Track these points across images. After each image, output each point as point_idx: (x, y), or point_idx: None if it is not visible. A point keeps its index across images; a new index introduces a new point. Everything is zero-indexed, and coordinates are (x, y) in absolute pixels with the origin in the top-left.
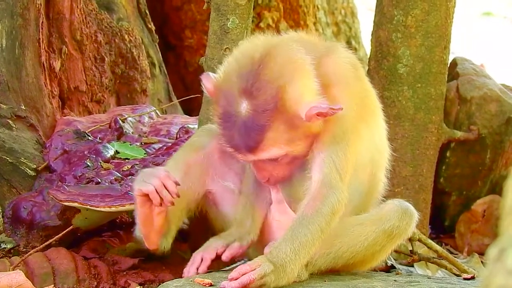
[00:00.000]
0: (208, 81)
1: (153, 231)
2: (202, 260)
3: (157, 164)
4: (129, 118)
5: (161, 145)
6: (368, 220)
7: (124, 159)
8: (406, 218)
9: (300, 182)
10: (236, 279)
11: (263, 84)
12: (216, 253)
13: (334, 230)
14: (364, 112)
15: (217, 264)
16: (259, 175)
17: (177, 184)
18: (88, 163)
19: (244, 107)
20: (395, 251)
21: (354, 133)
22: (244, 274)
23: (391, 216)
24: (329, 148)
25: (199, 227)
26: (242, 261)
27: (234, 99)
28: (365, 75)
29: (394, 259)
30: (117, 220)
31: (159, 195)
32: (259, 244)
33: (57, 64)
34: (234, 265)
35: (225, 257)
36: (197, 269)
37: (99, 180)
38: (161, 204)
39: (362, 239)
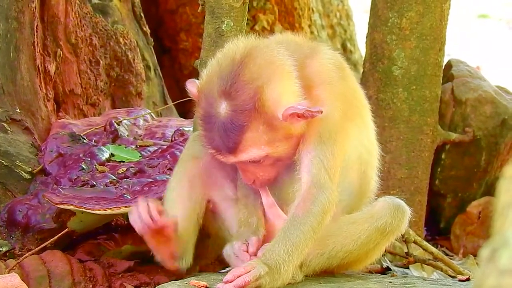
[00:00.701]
0: (193, 86)
1: (167, 256)
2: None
3: (152, 167)
4: (124, 121)
5: (156, 148)
6: (360, 218)
7: (119, 162)
8: (399, 214)
9: (289, 184)
10: (231, 282)
11: (241, 85)
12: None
13: (327, 230)
14: (350, 112)
15: (213, 267)
16: (244, 177)
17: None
18: (83, 166)
19: (223, 108)
20: (391, 252)
21: (340, 133)
22: (239, 276)
23: (383, 213)
24: (316, 149)
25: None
26: None
27: (214, 100)
28: (352, 74)
29: (389, 261)
30: (112, 223)
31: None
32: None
33: (52, 67)
34: (228, 268)
35: (252, 252)
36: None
37: (94, 183)
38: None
39: (355, 237)
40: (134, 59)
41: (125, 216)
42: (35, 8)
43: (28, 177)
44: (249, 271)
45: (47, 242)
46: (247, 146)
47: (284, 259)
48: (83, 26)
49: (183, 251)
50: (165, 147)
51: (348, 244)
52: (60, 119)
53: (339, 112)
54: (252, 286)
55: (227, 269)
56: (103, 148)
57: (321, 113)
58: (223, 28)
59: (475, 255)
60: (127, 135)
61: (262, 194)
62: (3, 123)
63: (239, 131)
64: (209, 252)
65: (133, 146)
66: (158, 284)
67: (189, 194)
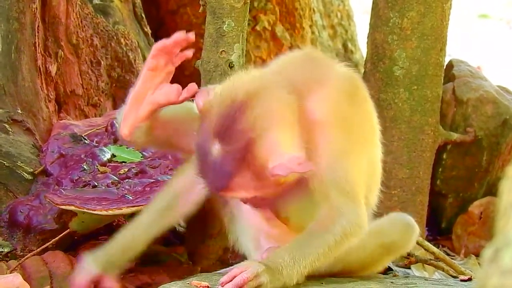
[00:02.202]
0: (202, 99)
1: (136, 118)
2: None
3: (154, 167)
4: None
5: None
6: (368, 232)
7: (120, 162)
8: (408, 233)
9: (291, 206)
10: (228, 282)
11: (235, 132)
12: None
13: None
14: (357, 142)
15: (215, 267)
16: (242, 201)
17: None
18: (85, 167)
19: (216, 148)
20: None
21: (351, 155)
22: (235, 276)
23: (392, 230)
24: (329, 179)
25: (196, 230)
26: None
27: (209, 137)
28: (366, 96)
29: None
30: (114, 224)
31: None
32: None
33: (53, 68)
34: (232, 267)
35: None
36: None
37: (96, 184)
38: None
39: (360, 250)
40: (135, 60)
41: (127, 216)
42: (36, 9)
43: (30, 178)
44: (245, 270)
45: (48, 243)
46: (235, 188)
47: (287, 263)
48: (84, 26)
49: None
50: None
51: (349, 255)
52: (61, 120)
53: (346, 142)
54: (253, 284)
55: (228, 268)
56: (104, 148)
57: (310, 167)
58: (224, 28)
59: (476, 255)
60: None
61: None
62: (4, 124)
63: (227, 175)
64: (210, 252)
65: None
66: (160, 285)
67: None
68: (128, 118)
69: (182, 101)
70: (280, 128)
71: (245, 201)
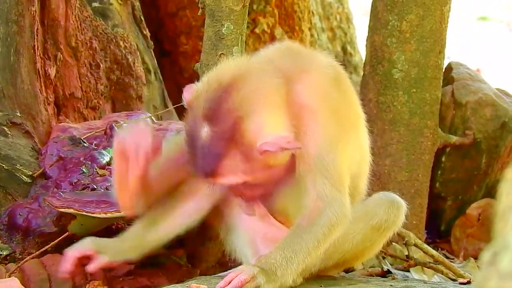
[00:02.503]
0: (189, 93)
1: (128, 194)
2: None
3: None
4: (125, 125)
5: None
6: (354, 217)
7: None
8: (394, 210)
9: (282, 195)
10: (226, 286)
11: (223, 113)
12: None
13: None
14: (345, 126)
15: (214, 270)
16: (231, 193)
17: (157, 148)
18: (84, 170)
19: (205, 131)
20: (391, 255)
21: (339, 143)
22: (232, 279)
23: (377, 210)
24: (317, 164)
25: (195, 233)
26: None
27: (198, 121)
28: (349, 84)
29: (390, 264)
30: (113, 227)
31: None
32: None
33: (52, 71)
34: (228, 271)
35: None
36: None
37: (95, 187)
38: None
39: (351, 237)
40: (134, 63)
41: (126, 219)
42: (35, 12)
43: (29, 180)
44: (241, 273)
45: (47, 246)
46: (224, 172)
47: (280, 263)
48: (83, 29)
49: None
50: None
51: (343, 244)
52: (60, 122)
53: (334, 127)
54: (250, 287)
55: (226, 272)
56: (103, 151)
57: (299, 147)
58: (223, 31)
59: (475, 258)
60: None
61: (255, 206)
62: (3, 127)
63: (216, 158)
64: (210, 255)
65: None
66: (159, 287)
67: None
68: (123, 199)
69: (156, 148)
70: (268, 109)
71: (236, 191)
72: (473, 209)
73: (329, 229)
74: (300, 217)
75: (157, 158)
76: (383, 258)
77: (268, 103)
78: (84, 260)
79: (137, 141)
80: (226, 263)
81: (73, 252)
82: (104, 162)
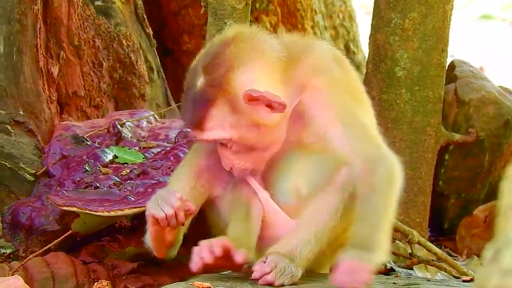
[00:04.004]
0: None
1: (163, 245)
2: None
3: (156, 169)
4: (128, 123)
5: (159, 150)
6: (330, 191)
7: (122, 163)
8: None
9: (281, 176)
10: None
11: (218, 62)
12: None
13: (304, 217)
14: (352, 100)
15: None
16: (222, 162)
17: (190, 211)
18: (87, 168)
19: (199, 81)
20: (394, 253)
21: (355, 105)
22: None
23: (350, 178)
24: (343, 127)
25: (197, 230)
26: (246, 265)
27: (195, 73)
28: (351, 68)
29: (393, 261)
30: (116, 225)
31: (168, 222)
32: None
33: (55, 70)
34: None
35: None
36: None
37: (98, 185)
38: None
39: (333, 211)
40: (137, 61)
41: (129, 217)
42: (38, 11)
43: (32, 179)
44: (360, 266)
45: (50, 244)
46: (211, 124)
47: (372, 237)
48: (86, 28)
49: (175, 243)
50: (169, 148)
51: (329, 221)
52: (63, 121)
53: (342, 95)
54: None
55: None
56: (106, 150)
57: (284, 107)
58: (226, 29)
59: (479, 257)
60: (131, 137)
61: (256, 189)
62: (6, 125)
63: (204, 106)
64: None
65: (137, 148)
66: (162, 286)
67: (195, 185)
68: (159, 251)
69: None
70: (263, 66)
71: (227, 159)
72: (480, 211)
73: (391, 186)
74: (359, 188)
75: (190, 217)
76: None
77: (265, 62)
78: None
79: (168, 212)
80: None
81: (217, 242)
82: (107, 160)
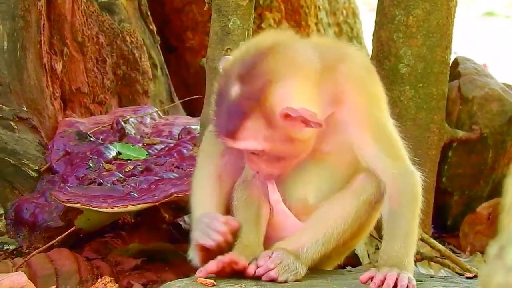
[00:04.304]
0: (224, 62)
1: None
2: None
3: (159, 165)
4: (131, 119)
5: (163, 146)
6: (345, 196)
7: (126, 160)
8: (382, 183)
9: (303, 181)
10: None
11: (256, 74)
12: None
13: (315, 217)
14: (381, 112)
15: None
16: (248, 165)
17: (235, 229)
18: (90, 164)
19: (234, 90)
20: None
21: (382, 118)
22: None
23: (365, 185)
24: (375, 142)
25: None
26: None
27: (230, 81)
28: (379, 81)
29: None
30: (120, 221)
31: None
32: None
33: (58, 66)
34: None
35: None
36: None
37: (101, 181)
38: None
39: (345, 216)
40: (140, 58)
41: (132, 214)
42: (42, 7)
43: (35, 175)
44: (399, 278)
45: (54, 241)
46: (245, 135)
47: (402, 253)
48: (90, 24)
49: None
50: (172, 145)
51: (340, 225)
52: (67, 117)
53: (374, 108)
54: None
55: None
56: (110, 146)
57: (321, 126)
58: (229, 26)
59: (482, 253)
60: (134, 133)
61: (269, 189)
62: (10, 122)
63: (240, 117)
64: None
65: (140, 144)
66: (166, 282)
67: (220, 191)
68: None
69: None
70: (300, 81)
71: (254, 164)
72: (484, 208)
73: (416, 201)
74: (387, 202)
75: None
76: None
77: (302, 76)
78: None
79: (218, 239)
80: None
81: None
82: (110, 157)
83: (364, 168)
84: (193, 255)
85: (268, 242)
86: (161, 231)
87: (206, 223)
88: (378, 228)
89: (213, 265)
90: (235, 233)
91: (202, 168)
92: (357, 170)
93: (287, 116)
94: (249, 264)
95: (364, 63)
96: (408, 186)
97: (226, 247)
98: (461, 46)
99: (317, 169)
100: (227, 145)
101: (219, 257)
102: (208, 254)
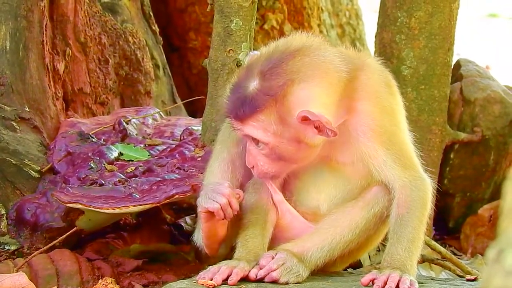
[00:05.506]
0: (249, 57)
1: (216, 241)
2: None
3: (161, 166)
4: (133, 120)
5: (165, 147)
6: (356, 207)
7: (128, 160)
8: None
9: (304, 187)
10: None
11: (278, 72)
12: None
13: (324, 223)
14: (396, 125)
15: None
16: (247, 159)
17: (240, 197)
18: (92, 165)
19: (254, 84)
20: None
21: (396, 129)
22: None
23: (378, 199)
24: (386, 153)
25: None
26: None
27: (251, 74)
28: (398, 92)
29: None
30: (121, 222)
31: (224, 212)
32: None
33: (61, 66)
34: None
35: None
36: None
37: (103, 182)
38: (223, 218)
39: (354, 226)
40: (143, 58)
41: (134, 215)
42: (44, 7)
43: (37, 175)
44: (400, 279)
45: (55, 241)
46: (255, 124)
47: (405, 256)
48: (92, 25)
49: (226, 239)
50: (174, 146)
51: (347, 234)
52: (69, 118)
53: (387, 120)
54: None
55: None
56: (111, 147)
57: (335, 135)
58: (232, 27)
59: (484, 255)
60: (136, 134)
61: (271, 190)
62: (12, 122)
63: (254, 109)
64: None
65: (142, 145)
66: (166, 283)
67: (231, 179)
68: (211, 249)
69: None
70: (324, 87)
71: (254, 158)
72: (485, 210)
73: (425, 208)
74: (394, 208)
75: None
76: None
77: (326, 83)
78: None
79: (222, 202)
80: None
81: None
82: (112, 157)
83: (378, 181)
84: (198, 235)
85: (274, 242)
86: (163, 232)
87: (211, 189)
88: None
89: (215, 275)
90: (241, 202)
91: (217, 153)
92: (371, 183)
93: (304, 118)
94: (251, 268)
95: (382, 75)
96: (417, 193)
97: (230, 214)
98: (463, 48)
99: (331, 178)
100: (234, 126)
101: (223, 268)
102: (212, 226)
